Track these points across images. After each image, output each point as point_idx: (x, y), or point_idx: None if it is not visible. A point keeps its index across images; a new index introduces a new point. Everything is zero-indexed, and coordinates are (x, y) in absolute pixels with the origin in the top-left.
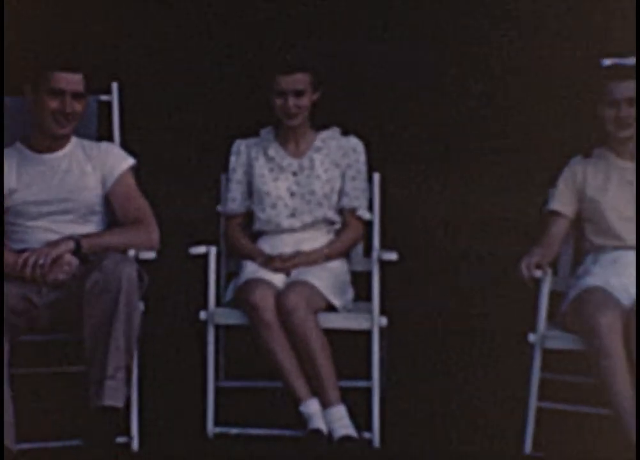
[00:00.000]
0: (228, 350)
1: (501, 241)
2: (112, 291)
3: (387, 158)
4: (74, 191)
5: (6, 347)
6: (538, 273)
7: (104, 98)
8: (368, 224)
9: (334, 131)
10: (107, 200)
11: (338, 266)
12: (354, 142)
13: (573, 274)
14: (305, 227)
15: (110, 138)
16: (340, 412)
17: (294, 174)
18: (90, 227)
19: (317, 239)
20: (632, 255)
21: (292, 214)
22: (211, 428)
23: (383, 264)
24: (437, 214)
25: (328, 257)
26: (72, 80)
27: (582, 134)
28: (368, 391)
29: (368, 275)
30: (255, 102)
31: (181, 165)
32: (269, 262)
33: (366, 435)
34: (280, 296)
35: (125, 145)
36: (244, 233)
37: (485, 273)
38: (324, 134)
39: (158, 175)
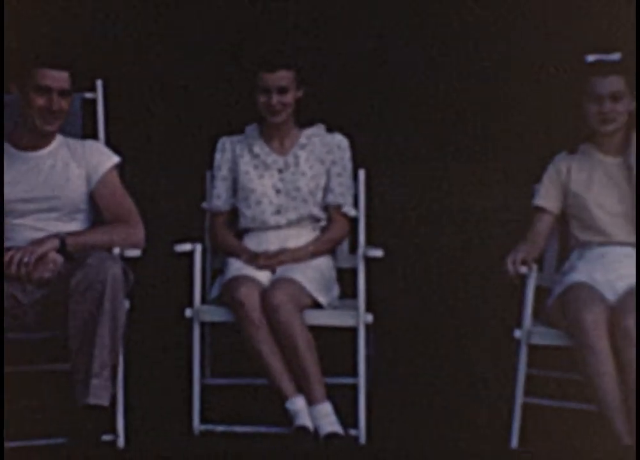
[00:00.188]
0: (214, 347)
1: (487, 238)
2: (97, 289)
3: (372, 154)
4: (59, 189)
5: None
6: (523, 269)
7: (88, 95)
8: (354, 221)
9: (319, 128)
10: (92, 198)
11: (323, 262)
12: (338, 138)
13: (559, 270)
14: (290, 224)
15: (94, 136)
16: (325, 409)
17: (279, 171)
18: (75, 225)
19: (302, 236)
20: (618, 251)
21: (278, 211)
22: (197, 425)
23: (369, 260)
24: (422, 211)
25: (314, 254)
26: (59, 78)
27: (569, 130)
28: (354, 388)
29: (353, 271)
30: (240, 99)
31: (166, 162)
32: (254, 259)
33: (353, 432)
34: (265, 293)
35: (110, 143)
36: (229, 230)
37: (471, 269)
38: (308, 131)
39: (142, 173)
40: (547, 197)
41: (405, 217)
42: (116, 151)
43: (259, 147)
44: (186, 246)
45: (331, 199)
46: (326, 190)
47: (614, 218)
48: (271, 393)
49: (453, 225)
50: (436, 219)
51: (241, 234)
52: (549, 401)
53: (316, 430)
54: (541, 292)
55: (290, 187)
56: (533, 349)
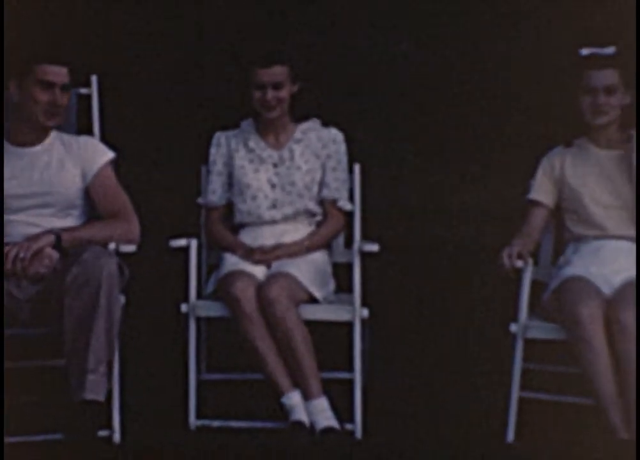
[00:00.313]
0: (209, 342)
1: (483, 232)
2: (93, 284)
3: (368, 149)
4: (54, 185)
5: None
6: (519, 263)
7: (83, 91)
8: (349, 215)
9: (314, 123)
10: (87, 193)
11: (319, 257)
12: (334, 133)
13: (555, 264)
14: (286, 218)
15: (89, 132)
16: (322, 404)
17: (275, 165)
18: (70, 221)
19: (298, 231)
20: (614, 244)
21: (273, 206)
22: (193, 421)
23: (364, 255)
24: (418, 205)
25: (309, 249)
26: (60, 73)
27: (565, 124)
28: (350, 382)
29: (349, 266)
30: (235, 94)
31: (161, 157)
32: (250, 254)
33: (349, 426)
34: (261, 288)
35: (104, 139)
36: (224, 225)
37: (466, 263)
38: (304, 125)
39: (137, 168)
40: (541, 191)
41: (401, 212)
42: (111, 146)
43: (254, 142)
44: (182, 242)
45: (326, 193)
46: (322, 184)
47: (609, 212)
48: (267, 388)
49: (448, 219)
50: (432, 213)
51: (236, 229)
52: (545, 395)
53: (312, 425)
54: (537, 286)
55: (286, 181)
56: (529, 343)
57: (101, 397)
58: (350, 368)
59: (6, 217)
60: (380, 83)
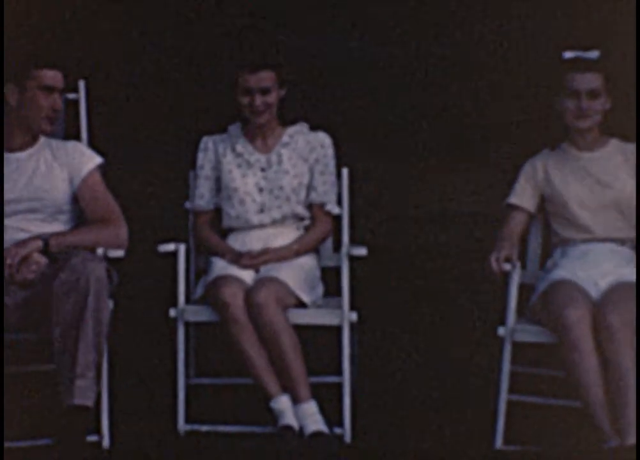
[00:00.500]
0: (198, 347)
1: (470, 236)
2: (81, 289)
3: (355, 152)
4: (42, 190)
5: None
6: (507, 267)
7: (71, 96)
8: (337, 219)
9: (302, 127)
10: (75, 199)
11: (307, 261)
12: (321, 137)
13: (542, 267)
14: (274, 222)
15: (77, 137)
16: (310, 408)
17: (262, 169)
18: (58, 226)
19: (286, 235)
20: (601, 247)
21: (261, 210)
22: (182, 425)
23: (353, 259)
24: (406, 209)
25: (297, 253)
26: (58, 78)
27: (551, 129)
28: (339, 386)
29: (337, 270)
30: (222, 98)
31: (149, 162)
32: (238, 259)
33: (338, 430)
34: (249, 292)
35: (92, 144)
36: (213, 230)
37: (454, 267)
38: (291, 129)
39: (125, 173)
40: (522, 196)
41: (389, 215)
42: (99, 151)
43: (242, 146)
44: (170, 246)
45: (314, 197)
46: (309, 188)
47: (593, 214)
48: (255, 392)
49: (436, 223)
50: (420, 217)
51: (225, 233)
52: (534, 398)
53: (301, 429)
54: (525, 290)
55: (274, 185)
56: (516, 346)
57: (90, 402)
58: (339, 372)
59: None
60: (368, 87)
